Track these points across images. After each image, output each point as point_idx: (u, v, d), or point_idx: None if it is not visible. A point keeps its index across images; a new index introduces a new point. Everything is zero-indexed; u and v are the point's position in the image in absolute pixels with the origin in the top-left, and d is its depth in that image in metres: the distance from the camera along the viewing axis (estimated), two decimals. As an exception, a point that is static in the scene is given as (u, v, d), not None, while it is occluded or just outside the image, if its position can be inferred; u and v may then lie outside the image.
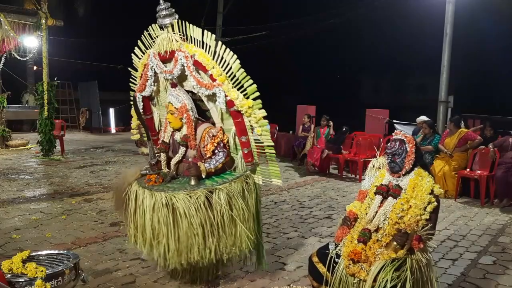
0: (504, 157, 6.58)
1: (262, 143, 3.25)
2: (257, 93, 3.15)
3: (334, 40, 21.63)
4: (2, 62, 11.35)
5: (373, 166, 3.04)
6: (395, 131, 2.94)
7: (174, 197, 3.05)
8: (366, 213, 2.76)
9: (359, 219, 2.78)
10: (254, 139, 3.28)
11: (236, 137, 3.32)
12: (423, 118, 8.32)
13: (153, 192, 3.13)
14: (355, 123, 10.72)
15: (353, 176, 8.64)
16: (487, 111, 10.97)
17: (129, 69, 3.83)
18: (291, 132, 11.78)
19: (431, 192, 2.61)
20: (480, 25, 17.33)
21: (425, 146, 7.39)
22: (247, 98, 3.14)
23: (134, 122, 3.98)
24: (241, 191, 3.17)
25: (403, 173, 2.73)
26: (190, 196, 3.04)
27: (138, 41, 3.63)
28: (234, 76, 3.15)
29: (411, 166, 2.73)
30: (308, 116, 10.51)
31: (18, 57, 10.28)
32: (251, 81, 3.14)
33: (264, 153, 3.31)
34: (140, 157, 9.76)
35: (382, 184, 2.79)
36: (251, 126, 3.22)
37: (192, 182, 3.17)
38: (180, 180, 3.34)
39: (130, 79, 3.87)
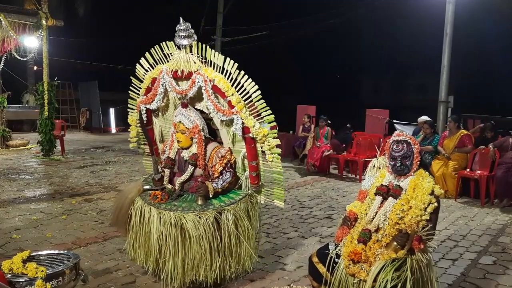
0: (504, 157, 6.57)
1: (271, 168, 3.32)
2: (274, 123, 3.22)
3: (334, 40, 21.62)
4: (2, 62, 11.34)
5: (373, 166, 3.03)
6: (397, 132, 2.90)
7: (184, 217, 3.07)
8: (366, 214, 2.76)
9: (359, 219, 2.78)
10: (263, 162, 3.35)
11: (245, 159, 3.37)
12: (424, 118, 8.31)
13: (161, 211, 3.15)
14: (355, 123, 10.72)
15: (353, 176, 8.64)
16: (487, 111, 10.97)
17: (131, 77, 3.79)
18: (291, 132, 11.78)
19: (432, 193, 2.61)
20: (480, 25, 17.33)
21: (425, 146, 7.40)
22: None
23: (133, 130, 3.97)
24: (246, 211, 3.25)
25: (412, 174, 2.73)
26: (199, 217, 3.07)
27: (147, 53, 3.60)
28: (251, 102, 3.22)
29: (417, 167, 2.73)
30: (308, 116, 10.51)
31: (19, 57, 10.28)
32: (269, 111, 3.21)
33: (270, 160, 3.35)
34: (140, 157, 9.75)
35: (382, 185, 2.79)
36: (263, 151, 3.28)
37: (200, 202, 3.21)
38: (185, 197, 3.37)
39: (131, 87, 3.84)
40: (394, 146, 2.77)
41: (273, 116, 3.22)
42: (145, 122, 3.74)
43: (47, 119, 9.64)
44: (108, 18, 21.29)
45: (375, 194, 2.78)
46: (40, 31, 9.48)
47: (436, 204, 2.59)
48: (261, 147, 3.28)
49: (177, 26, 3.24)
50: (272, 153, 3.25)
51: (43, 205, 5.80)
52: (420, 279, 2.43)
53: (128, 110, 3.95)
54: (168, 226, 3.07)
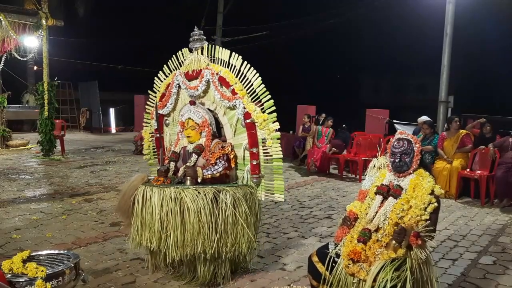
0: (504, 157, 6.57)
1: (271, 155, 3.51)
2: (273, 107, 3.49)
3: (334, 40, 21.60)
4: (2, 62, 11.33)
5: (374, 166, 3.04)
6: (399, 130, 2.94)
7: (183, 191, 3.24)
8: (367, 213, 2.77)
9: (359, 219, 2.78)
10: (264, 152, 3.55)
11: (246, 151, 3.60)
12: (424, 118, 8.32)
13: (161, 189, 3.30)
14: (355, 123, 10.72)
15: (353, 176, 8.64)
16: (487, 111, 10.95)
17: (149, 91, 4.20)
18: (291, 132, 11.77)
19: (432, 193, 2.61)
20: (480, 25, 17.33)
21: (425, 146, 7.39)
22: (264, 112, 3.50)
23: (146, 143, 4.29)
24: (245, 196, 3.38)
25: (410, 172, 2.75)
26: (198, 192, 3.24)
27: (164, 65, 4.07)
28: (254, 92, 3.53)
29: (417, 166, 2.75)
30: (308, 116, 10.51)
31: (19, 57, 10.27)
32: (269, 96, 3.50)
33: (270, 158, 3.55)
34: (140, 157, 9.76)
35: (382, 184, 2.80)
36: (263, 139, 3.51)
37: (188, 183, 3.38)
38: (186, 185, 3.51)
39: (147, 102, 4.25)
40: (395, 143, 2.82)
41: (272, 101, 3.48)
42: (156, 128, 4.07)
43: (47, 119, 9.64)
44: (108, 18, 21.28)
45: (376, 193, 2.79)
46: (40, 31, 9.48)
47: (436, 204, 2.59)
48: (262, 135, 3.50)
49: (192, 33, 3.79)
50: (271, 138, 3.48)
51: (43, 205, 5.80)
52: (420, 279, 2.43)
53: (143, 124, 4.30)
54: (169, 200, 3.23)
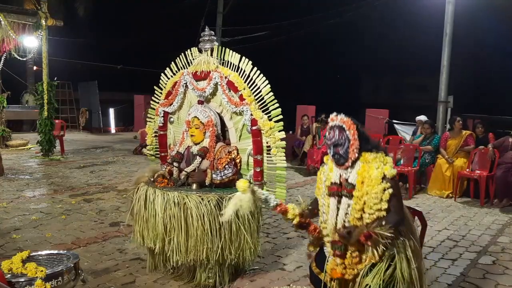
0: (504, 157, 6.57)
1: (275, 163, 3.48)
2: (280, 116, 3.46)
3: (334, 40, 21.61)
4: (2, 62, 11.33)
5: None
6: (331, 116, 2.48)
7: (187, 197, 3.24)
8: (326, 220, 2.54)
9: (321, 222, 2.60)
10: (268, 160, 3.52)
11: (250, 157, 3.57)
12: (422, 117, 8.33)
13: (165, 192, 3.31)
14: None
15: (353, 176, 8.63)
16: (487, 111, 10.95)
17: (155, 87, 4.13)
18: (291, 132, 11.77)
19: (384, 177, 2.31)
20: (480, 25, 17.32)
21: (425, 146, 7.40)
22: (270, 120, 3.46)
23: (149, 138, 4.23)
24: None
25: (350, 164, 2.42)
26: (202, 198, 3.24)
27: (172, 62, 4.00)
28: (262, 99, 3.49)
29: (356, 154, 2.39)
30: (308, 117, 10.51)
31: (18, 57, 10.25)
32: (277, 104, 3.47)
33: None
34: (140, 157, 9.78)
35: (332, 183, 2.49)
36: (268, 146, 3.48)
37: (194, 187, 3.38)
38: (189, 188, 3.51)
39: (153, 98, 4.16)
40: (327, 133, 2.49)
41: (279, 110, 3.44)
42: (161, 125, 4.05)
43: (47, 119, 9.63)
44: (108, 18, 21.28)
45: (328, 195, 2.51)
46: (40, 31, 9.48)
47: (391, 189, 2.30)
48: (267, 142, 3.48)
49: (202, 33, 3.76)
50: (276, 147, 3.45)
51: (43, 205, 5.79)
52: (408, 273, 2.34)
53: (147, 120, 4.24)
54: (172, 205, 3.23)
